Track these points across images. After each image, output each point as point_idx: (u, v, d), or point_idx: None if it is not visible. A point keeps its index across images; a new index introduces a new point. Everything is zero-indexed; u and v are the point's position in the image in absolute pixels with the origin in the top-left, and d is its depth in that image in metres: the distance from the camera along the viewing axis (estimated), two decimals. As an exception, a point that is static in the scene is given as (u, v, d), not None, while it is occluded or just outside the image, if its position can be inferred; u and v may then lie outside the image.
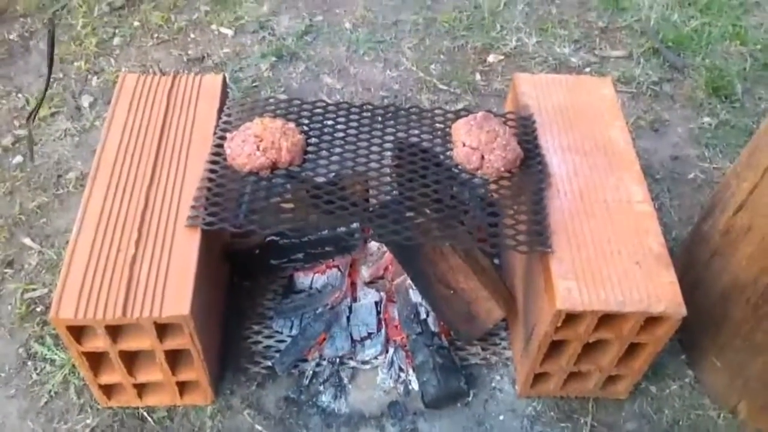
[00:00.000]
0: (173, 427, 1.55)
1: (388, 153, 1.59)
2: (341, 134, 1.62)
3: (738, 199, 1.48)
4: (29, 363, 1.66)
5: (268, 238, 1.65)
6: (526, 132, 1.64)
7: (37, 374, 1.63)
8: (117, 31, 2.55)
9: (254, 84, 2.38)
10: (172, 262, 1.36)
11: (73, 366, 1.61)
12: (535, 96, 1.74)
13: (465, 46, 2.56)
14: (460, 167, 1.54)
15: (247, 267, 1.74)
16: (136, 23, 2.58)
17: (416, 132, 1.64)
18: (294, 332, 1.68)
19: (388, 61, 2.49)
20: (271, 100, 1.70)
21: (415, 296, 1.67)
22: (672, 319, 1.36)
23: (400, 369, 1.64)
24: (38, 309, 1.76)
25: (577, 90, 1.76)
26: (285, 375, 1.62)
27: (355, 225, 1.64)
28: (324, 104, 1.69)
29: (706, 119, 2.33)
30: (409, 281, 1.65)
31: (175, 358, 1.46)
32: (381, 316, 1.70)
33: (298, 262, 1.72)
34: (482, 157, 1.51)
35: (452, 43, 2.56)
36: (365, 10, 2.67)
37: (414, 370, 1.61)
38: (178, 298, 1.31)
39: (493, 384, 1.65)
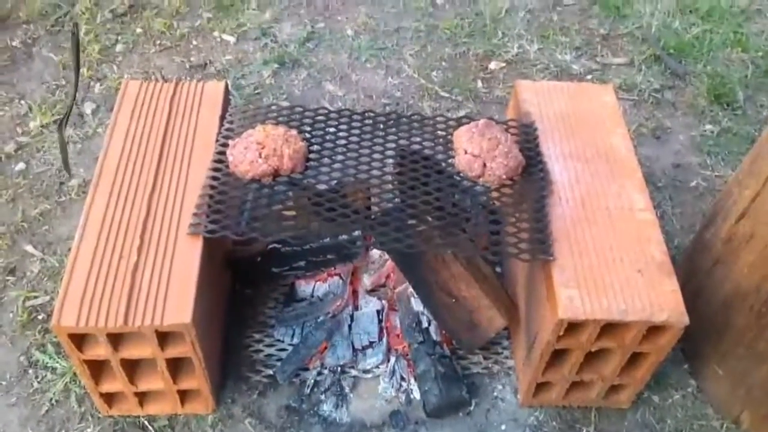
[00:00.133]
0: (174, 435, 1.55)
1: (390, 160, 1.59)
2: (343, 141, 1.62)
3: (740, 207, 1.48)
4: (30, 371, 1.65)
5: (270, 246, 1.64)
6: (527, 139, 1.64)
7: (38, 382, 1.63)
8: (120, 38, 2.55)
9: (256, 91, 2.38)
10: (173, 270, 1.36)
11: (74, 374, 1.60)
12: (536, 103, 1.74)
13: (466, 53, 2.56)
14: (461, 175, 1.54)
15: (248, 275, 1.73)
16: (138, 30, 2.58)
17: (418, 139, 1.64)
18: (295, 341, 1.67)
19: (390, 68, 2.49)
20: (273, 107, 1.70)
21: (416, 305, 1.66)
22: (674, 327, 1.35)
23: (402, 378, 1.63)
24: (40, 317, 1.76)
25: (579, 97, 1.76)
26: (286, 384, 1.62)
27: (356, 233, 1.63)
28: (326, 111, 1.69)
29: (708, 127, 2.33)
30: (410, 289, 1.65)
31: (176, 367, 1.46)
32: (383, 324, 1.70)
33: (300, 270, 1.72)
34: (484, 165, 1.51)
35: (454, 50, 2.57)
36: (367, 17, 2.68)
37: (416, 379, 1.61)
38: (179, 306, 1.31)
39: (495, 393, 1.64)
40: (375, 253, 1.78)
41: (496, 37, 2.61)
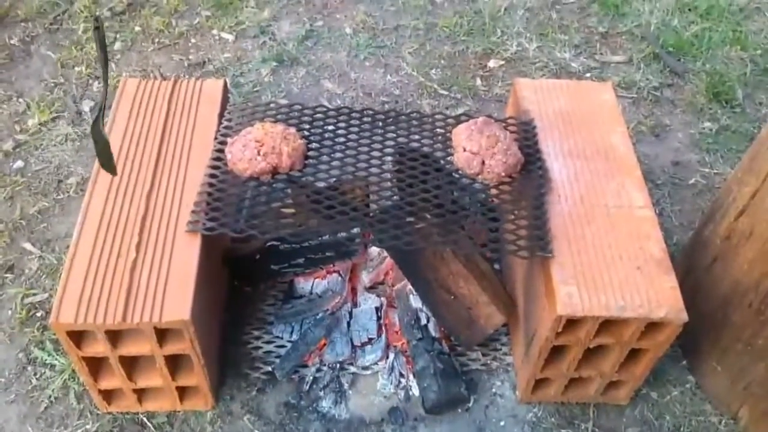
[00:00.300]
0: (173, 432, 1.55)
1: (389, 158, 1.59)
2: (342, 139, 1.62)
3: (739, 204, 1.48)
4: (29, 368, 1.66)
5: (269, 243, 1.64)
6: (526, 137, 1.64)
7: (37, 379, 1.63)
8: (118, 36, 2.55)
9: (255, 89, 2.38)
10: (172, 267, 1.36)
11: (73, 371, 1.61)
12: (535, 101, 1.74)
13: (465, 51, 2.56)
14: (460, 172, 1.54)
15: (247, 272, 1.73)
16: (137, 28, 2.58)
17: (417, 137, 1.64)
18: (294, 337, 1.67)
19: (389, 66, 2.49)
20: (272, 105, 1.70)
21: (415, 301, 1.66)
22: (673, 324, 1.35)
23: (401, 374, 1.64)
24: (38, 314, 1.76)
25: (578, 95, 1.76)
26: (285, 380, 1.62)
27: (355, 230, 1.63)
28: (325, 109, 1.69)
29: (707, 124, 2.33)
30: (409, 286, 1.65)
31: (175, 364, 1.46)
32: (381, 321, 1.70)
33: (299, 267, 1.72)
34: (483, 162, 1.51)
35: (453, 48, 2.57)
36: (366, 15, 2.68)
37: (414, 376, 1.61)
38: (178, 303, 1.31)
39: (494, 390, 1.64)
40: (374, 250, 1.78)
41: (495, 35, 2.61)
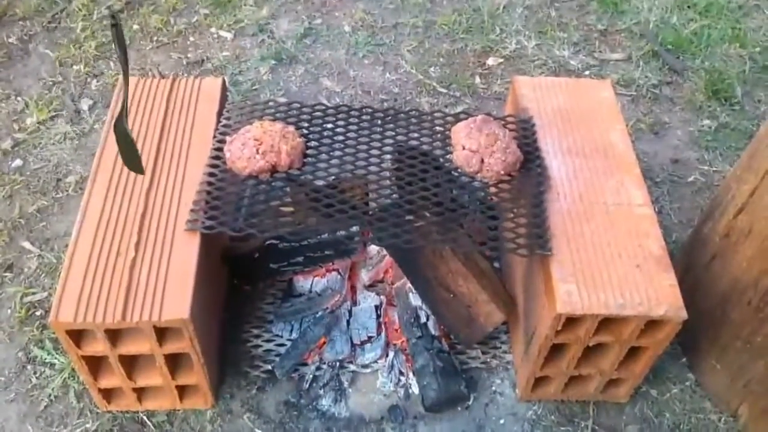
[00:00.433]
0: (173, 431, 1.54)
1: (388, 156, 1.58)
2: (341, 137, 1.62)
3: (738, 202, 1.48)
4: (29, 367, 1.65)
5: (268, 242, 1.64)
6: (525, 135, 1.64)
7: (37, 378, 1.63)
8: (116, 34, 2.54)
9: (254, 87, 2.38)
10: (171, 266, 1.36)
11: (73, 370, 1.60)
12: (534, 99, 1.74)
13: (464, 49, 2.56)
14: (459, 170, 1.54)
15: (246, 270, 1.73)
16: (135, 26, 2.58)
17: (416, 135, 1.64)
18: (294, 336, 1.67)
19: (388, 64, 2.49)
20: (271, 104, 1.69)
21: (415, 300, 1.67)
22: (672, 322, 1.36)
23: (401, 373, 1.64)
24: (38, 313, 1.75)
25: (577, 93, 1.76)
26: (285, 379, 1.62)
27: (354, 228, 1.63)
28: (323, 107, 1.69)
29: (706, 122, 2.33)
30: (408, 285, 1.65)
31: (174, 362, 1.46)
32: (381, 319, 1.70)
33: (298, 266, 1.72)
34: (482, 160, 1.51)
35: (452, 46, 2.57)
36: (364, 13, 2.68)
37: (414, 374, 1.61)
38: (177, 301, 1.31)
39: (494, 388, 1.64)
40: (373, 248, 1.78)
41: (494, 33, 2.61)
